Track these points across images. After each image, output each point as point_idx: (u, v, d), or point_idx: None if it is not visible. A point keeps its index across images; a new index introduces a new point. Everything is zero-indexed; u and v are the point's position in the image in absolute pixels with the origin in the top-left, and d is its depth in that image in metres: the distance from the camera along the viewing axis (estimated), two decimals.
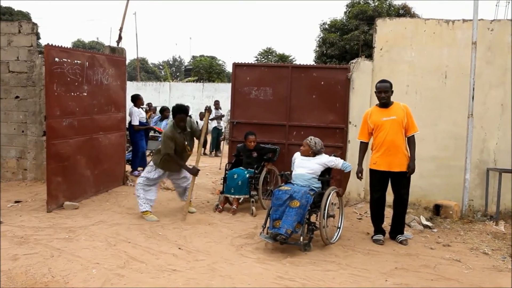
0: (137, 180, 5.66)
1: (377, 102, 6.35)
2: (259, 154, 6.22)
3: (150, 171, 5.59)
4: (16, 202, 6.06)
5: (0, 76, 7.38)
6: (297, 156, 5.13)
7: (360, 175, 4.96)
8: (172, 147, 5.40)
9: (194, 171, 5.57)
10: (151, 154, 9.15)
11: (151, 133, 9.52)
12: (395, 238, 4.91)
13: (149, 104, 16.26)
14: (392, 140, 4.69)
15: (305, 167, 4.91)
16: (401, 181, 4.78)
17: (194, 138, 5.76)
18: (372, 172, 4.89)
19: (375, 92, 4.91)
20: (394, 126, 4.70)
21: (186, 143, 5.52)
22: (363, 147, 4.97)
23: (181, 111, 5.47)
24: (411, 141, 4.77)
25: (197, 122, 13.09)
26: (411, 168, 4.71)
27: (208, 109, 5.87)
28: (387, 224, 5.16)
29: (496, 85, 6.16)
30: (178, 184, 5.93)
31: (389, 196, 4.97)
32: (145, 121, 8.49)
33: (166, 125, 9.36)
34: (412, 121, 4.77)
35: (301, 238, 4.38)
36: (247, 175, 5.92)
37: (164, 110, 10.13)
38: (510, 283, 3.83)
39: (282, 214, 4.41)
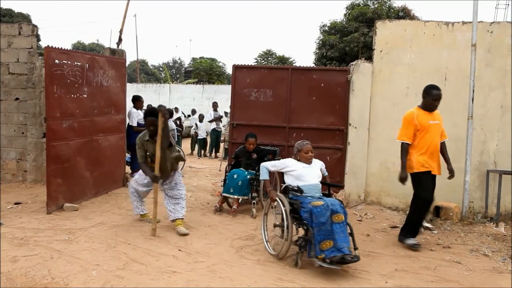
0: (130, 183, 5.45)
1: (377, 104, 6.41)
2: (259, 156, 6.21)
3: (141, 174, 5.28)
4: (16, 203, 6.06)
5: (0, 78, 7.39)
6: (292, 164, 4.51)
7: (405, 181, 4.68)
8: (143, 155, 5.13)
9: (153, 178, 4.95)
10: None
11: None
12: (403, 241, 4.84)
13: (148, 106, 16.15)
14: (436, 144, 4.76)
15: (315, 175, 4.45)
16: (433, 184, 4.81)
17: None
18: (422, 174, 4.71)
19: (429, 99, 4.72)
20: (437, 131, 4.78)
21: (148, 153, 5.13)
22: (407, 148, 4.75)
23: (151, 114, 4.99)
24: (444, 146, 4.92)
25: (196, 124, 13.13)
26: (453, 172, 4.83)
27: (161, 109, 4.86)
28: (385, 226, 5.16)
29: (496, 87, 6.16)
30: (168, 193, 5.21)
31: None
32: (143, 122, 8.45)
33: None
34: (443, 128, 4.92)
35: (356, 251, 3.99)
36: (248, 176, 5.91)
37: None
38: (511, 284, 3.82)
39: (328, 234, 3.87)
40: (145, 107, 9.89)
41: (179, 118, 14.05)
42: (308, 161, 4.50)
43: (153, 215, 4.91)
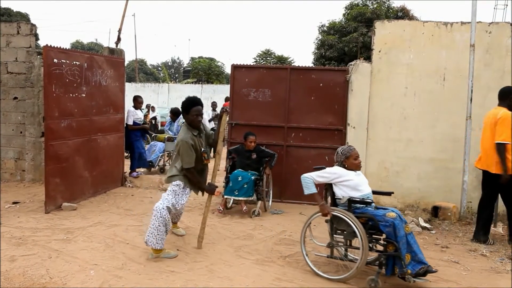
0: (160, 210, 4.07)
1: (376, 104, 6.41)
2: (258, 156, 6.19)
3: (177, 193, 4.17)
4: (14, 203, 6.05)
5: None
6: (345, 173, 3.97)
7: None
8: (194, 158, 4.11)
9: (211, 189, 4.37)
10: (170, 155, 9.01)
11: (169, 134, 9.23)
12: None
13: (148, 106, 16.15)
14: None
15: (367, 183, 4.08)
16: None
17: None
18: None
19: None
20: None
21: (203, 149, 4.30)
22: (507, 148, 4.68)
23: (195, 103, 4.17)
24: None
25: None
26: None
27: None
28: None
29: (494, 87, 6.13)
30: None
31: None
32: (141, 121, 8.42)
33: (178, 127, 9.00)
34: None
35: None
36: (253, 178, 5.89)
37: (171, 112, 9.55)
38: (510, 284, 3.83)
39: (407, 246, 3.63)
40: (143, 107, 9.85)
41: (154, 118, 14.22)
42: (358, 168, 4.04)
43: (202, 225, 4.51)
